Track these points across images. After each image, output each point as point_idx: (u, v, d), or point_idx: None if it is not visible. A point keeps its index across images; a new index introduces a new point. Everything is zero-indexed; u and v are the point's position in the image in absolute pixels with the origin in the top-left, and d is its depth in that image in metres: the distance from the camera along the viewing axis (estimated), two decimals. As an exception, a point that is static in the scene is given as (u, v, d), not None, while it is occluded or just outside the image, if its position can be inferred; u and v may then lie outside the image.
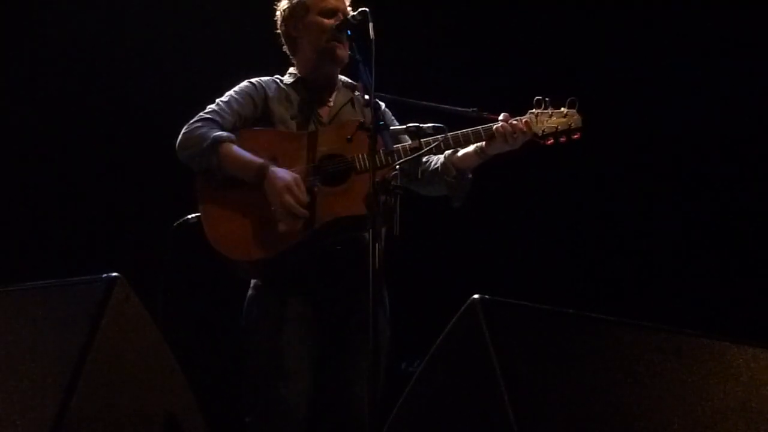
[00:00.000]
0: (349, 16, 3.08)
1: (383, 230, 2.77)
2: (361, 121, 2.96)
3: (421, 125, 3.05)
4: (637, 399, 2.57)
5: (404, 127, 3.06)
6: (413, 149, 2.95)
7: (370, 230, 2.62)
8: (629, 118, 5.39)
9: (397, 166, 2.77)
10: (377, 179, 2.68)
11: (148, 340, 2.70)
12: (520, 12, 5.45)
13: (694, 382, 2.65)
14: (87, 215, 5.27)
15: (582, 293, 5.07)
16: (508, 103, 3.20)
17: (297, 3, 3.21)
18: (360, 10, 2.97)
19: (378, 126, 2.75)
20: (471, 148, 3.16)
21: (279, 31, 3.31)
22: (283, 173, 3.01)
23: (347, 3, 3.24)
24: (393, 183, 2.68)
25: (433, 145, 2.97)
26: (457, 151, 3.19)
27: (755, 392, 2.70)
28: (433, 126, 3.07)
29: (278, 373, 3.00)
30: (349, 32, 3.01)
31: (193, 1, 5.34)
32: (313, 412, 3.07)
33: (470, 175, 3.21)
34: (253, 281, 3.19)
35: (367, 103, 2.99)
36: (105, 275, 2.63)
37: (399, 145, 3.03)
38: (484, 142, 3.12)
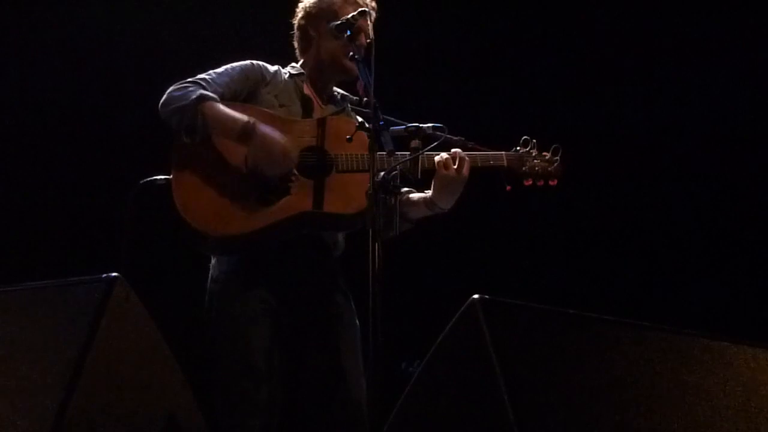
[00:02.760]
0: (370, 39, 3.01)
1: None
2: (360, 122, 2.95)
3: (421, 125, 3.05)
4: (637, 399, 2.57)
5: (404, 127, 3.06)
6: (413, 149, 2.95)
7: (370, 230, 2.60)
8: (629, 118, 5.40)
9: (397, 167, 2.78)
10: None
11: (148, 340, 2.70)
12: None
13: (694, 382, 2.66)
14: (87, 215, 5.26)
15: (582, 293, 5.06)
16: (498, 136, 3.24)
17: (327, 6, 3.14)
18: (359, 10, 2.97)
19: (378, 126, 2.75)
20: (421, 196, 3.14)
21: (296, 23, 3.24)
22: (275, 132, 2.96)
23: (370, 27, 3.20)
24: (393, 183, 2.68)
25: (433, 145, 2.97)
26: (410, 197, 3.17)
27: (755, 392, 2.71)
28: (433, 126, 3.07)
29: (247, 374, 2.91)
30: (348, 32, 3.00)
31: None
32: (302, 412, 3.04)
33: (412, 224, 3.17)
34: (213, 273, 3.08)
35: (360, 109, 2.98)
36: (105, 275, 2.63)
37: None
38: (431, 193, 3.10)
